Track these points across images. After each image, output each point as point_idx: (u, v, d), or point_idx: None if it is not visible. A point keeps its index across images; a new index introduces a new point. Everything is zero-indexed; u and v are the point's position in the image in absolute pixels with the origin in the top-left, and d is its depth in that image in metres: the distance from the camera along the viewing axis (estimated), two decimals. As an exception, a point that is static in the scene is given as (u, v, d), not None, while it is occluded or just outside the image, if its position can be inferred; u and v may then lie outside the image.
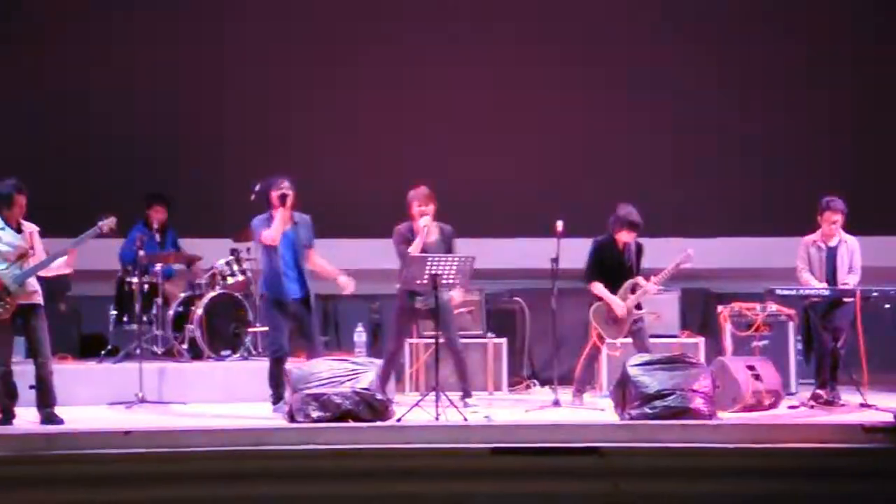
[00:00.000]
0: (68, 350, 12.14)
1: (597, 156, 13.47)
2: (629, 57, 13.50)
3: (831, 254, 10.89)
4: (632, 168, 13.32)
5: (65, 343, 11.96)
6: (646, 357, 10.25)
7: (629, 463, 8.96)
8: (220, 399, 11.27)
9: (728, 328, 11.88)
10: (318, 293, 10.76)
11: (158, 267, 12.10)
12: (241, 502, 8.51)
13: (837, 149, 13.54)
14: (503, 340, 12.20)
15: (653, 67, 13.49)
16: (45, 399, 9.94)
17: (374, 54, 13.53)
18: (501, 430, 9.62)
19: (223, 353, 12.00)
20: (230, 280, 12.20)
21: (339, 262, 10.84)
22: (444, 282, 10.26)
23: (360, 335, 12.16)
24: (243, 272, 12.26)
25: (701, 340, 12.09)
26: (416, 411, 9.93)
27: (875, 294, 10.58)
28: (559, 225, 10.76)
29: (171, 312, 12.06)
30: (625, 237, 10.98)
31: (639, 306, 11.01)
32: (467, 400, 10.76)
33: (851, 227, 10.97)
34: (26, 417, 9.98)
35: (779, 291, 10.84)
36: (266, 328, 11.28)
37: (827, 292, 10.71)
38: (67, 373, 11.07)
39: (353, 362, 10.27)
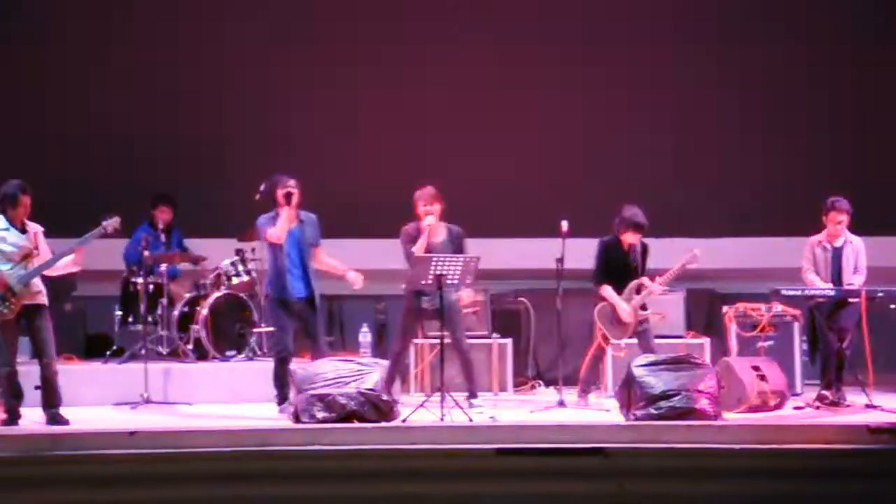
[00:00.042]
0: (73, 350, 12.12)
1: (598, 155, 13.45)
2: (630, 57, 13.48)
3: (837, 254, 10.90)
4: (633, 168, 13.30)
5: (70, 343, 11.96)
6: (651, 357, 10.25)
7: (634, 463, 8.95)
8: (225, 399, 11.26)
9: (733, 329, 11.88)
10: (323, 293, 10.75)
11: (163, 267, 12.09)
12: (246, 503, 8.51)
13: (838, 149, 13.54)
14: (508, 341, 12.14)
15: (653, 67, 13.50)
16: (51, 399, 9.95)
17: (374, 54, 13.51)
18: (506, 431, 9.60)
19: (228, 353, 12.00)
20: (235, 280, 12.18)
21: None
22: (448, 282, 10.27)
23: (365, 335, 12.14)
24: (248, 273, 12.24)
25: (706, 341, 12.06)
26: (421, 412, 9.95)
27: (880, 294, 10.56)
28: (564, 225, 10.75)
29: (176, 313, 12.05)
30: (630, 238, 10.97)
31: (644, 307, 11.00)
32: (472, 401, 10.76)
33: (855, 228, 10.98)
34: (32, 418, 9.99)
35: (784, 292, 10.84)
36: (271, 329, 11.27)
37: (832, 293, 10.72)
38: (73, 373, 11.07)
39: (358, 363, 10.27)
